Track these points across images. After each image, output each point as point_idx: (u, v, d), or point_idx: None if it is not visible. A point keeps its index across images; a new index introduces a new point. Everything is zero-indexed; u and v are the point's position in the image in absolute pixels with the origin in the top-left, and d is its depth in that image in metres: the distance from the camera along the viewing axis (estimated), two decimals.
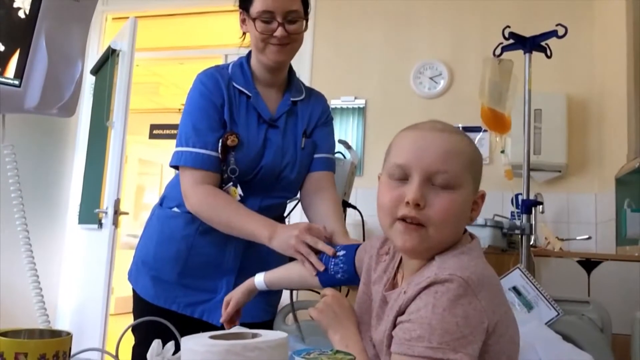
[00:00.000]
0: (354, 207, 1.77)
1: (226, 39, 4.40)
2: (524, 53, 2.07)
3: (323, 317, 1.01)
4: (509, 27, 2.05)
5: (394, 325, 0.87)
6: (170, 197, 1.52)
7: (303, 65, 3.73)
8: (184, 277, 1.45)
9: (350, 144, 1.97)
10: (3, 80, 1.52)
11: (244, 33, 1.48)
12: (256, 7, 1.36)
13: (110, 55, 3.54)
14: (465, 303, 0.80)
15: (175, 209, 1.48)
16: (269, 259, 1.43)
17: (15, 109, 1.67)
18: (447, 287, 0.80)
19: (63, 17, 1.59)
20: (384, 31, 3.59)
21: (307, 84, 3.61)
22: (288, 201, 1.61)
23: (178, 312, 1.44)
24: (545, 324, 1.59)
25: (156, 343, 0.90)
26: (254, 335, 0.74)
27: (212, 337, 0.72)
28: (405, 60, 3.50)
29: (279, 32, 1.36)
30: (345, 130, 3.57)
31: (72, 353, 0.88)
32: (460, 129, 1.01)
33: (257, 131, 1.43)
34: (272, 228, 1.29)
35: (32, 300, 1.58)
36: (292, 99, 1.50)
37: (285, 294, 1.56)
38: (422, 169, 0.86)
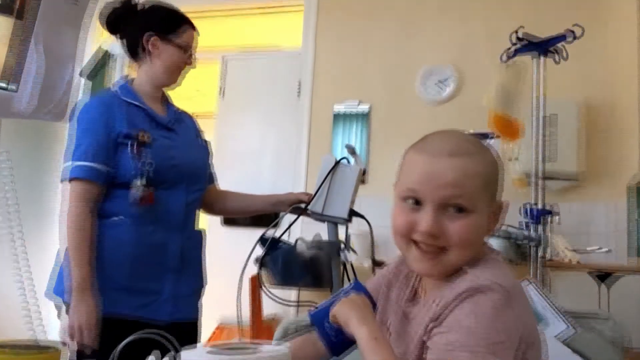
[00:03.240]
0: (362, 217, 1.71)
1: (224, 41, 4.36)
2: (538, 55, 1.99)
3: (346, 308, 0.94)
4: (522, 27, 1.97)
5: (425, 334, 0.87)
6: (107, 210, 1.63)
7: (305, 69, 3.69)
8: (132, 281, 1.59)
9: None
10: None
11: (148, 52, 1.71)
12: (184, 40, 1.73)
13: (107, 60, 3.52)
14: (503, 310, 0.81)
15: (115, 218, 1.61)
16: (198, 260, 1.76)
17: (8, 114, 1.63)
18: (488, 295, 0.82)
19: (58, 21, 1.56)
20: (389, 34, 3.54)
21: (309, 87, 3.66)
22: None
23: (128, 317, 1.55)
24: (555, 336, 1.55)
25: (154, 355, 0.89)
26: (255, 347, 0.74)
27: (210, 352, 0.72)
28: (411, 63, 3.45)
29: (193, 61, 1.76)
30: (348, 137, 3.51)
31: None
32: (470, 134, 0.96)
33: (159, 133, 1.67)
34: (82, 287, 1.52)
35: (26, 310, 1.54)
36: (174, 109, 1.80)
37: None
38: (435, 196, 0.86)
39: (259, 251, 1.66)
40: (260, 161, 3.81)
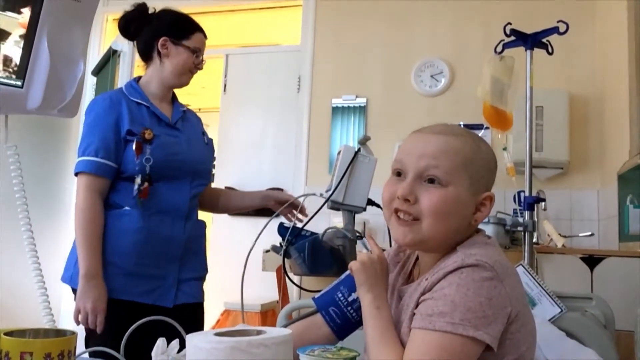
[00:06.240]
0: (378, 206, 1.69)
1: (227, 39, 4.40)
2: (526, 50, 2.06)
3: (363, 272, 0.96)
4: (510, 24, 2.04)
5: (415, 308, 0.89)
6: (115, 201, 1.70)
7: (304, 64, 3.73)
8: (138, 267, 1.65)
9: (351, 143, 1.94)
10: (5, 80, 1.51)
11: (160, 54, 1.78)
12: (193, 43, 1.80)
13: (111, 56, 3.55)
14: (490, 286, 0.83)
15: (127, 208, 1.68)
16: (202, 249, 1.82)
17: (17, 110, 1.66)
18: (473, 269, 0.84)
19: (65, 17, 1.58)
20: (384, 30, 3.59)
21: (308, 82, 3.73)
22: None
23: (135, 302, 1.63)
24: (549, 320, 1.59)
25: (160, 341, 0.90)
26: (259, 332, 0.74)
27: (217, 334, 0.72)
28: (406, 58, 3.50)
29: (202, 64, 1.83)
30: (346, 129, 3.56)
31: (77, 352, 0.88)
32: (462, 126, 1.01)
33: (163, 131, 1.73)
34: (89, 275, 1.58)
35: (36, 300, 1.59)
36: (181, 109, 1.85)
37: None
38: (414, 166, 0.92)
39: (265, 238, 1.56)
40: (261, 153, 3.84)
